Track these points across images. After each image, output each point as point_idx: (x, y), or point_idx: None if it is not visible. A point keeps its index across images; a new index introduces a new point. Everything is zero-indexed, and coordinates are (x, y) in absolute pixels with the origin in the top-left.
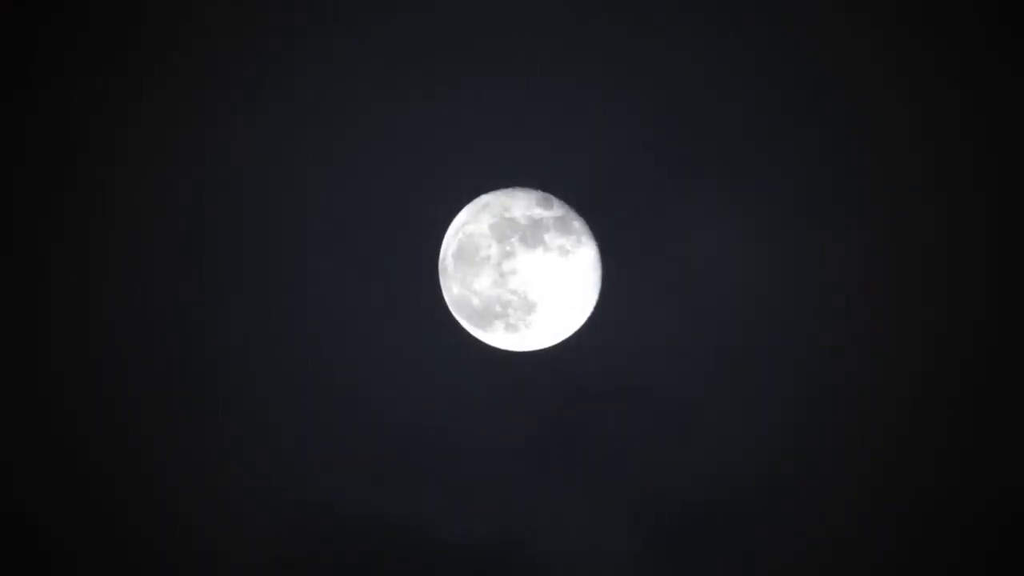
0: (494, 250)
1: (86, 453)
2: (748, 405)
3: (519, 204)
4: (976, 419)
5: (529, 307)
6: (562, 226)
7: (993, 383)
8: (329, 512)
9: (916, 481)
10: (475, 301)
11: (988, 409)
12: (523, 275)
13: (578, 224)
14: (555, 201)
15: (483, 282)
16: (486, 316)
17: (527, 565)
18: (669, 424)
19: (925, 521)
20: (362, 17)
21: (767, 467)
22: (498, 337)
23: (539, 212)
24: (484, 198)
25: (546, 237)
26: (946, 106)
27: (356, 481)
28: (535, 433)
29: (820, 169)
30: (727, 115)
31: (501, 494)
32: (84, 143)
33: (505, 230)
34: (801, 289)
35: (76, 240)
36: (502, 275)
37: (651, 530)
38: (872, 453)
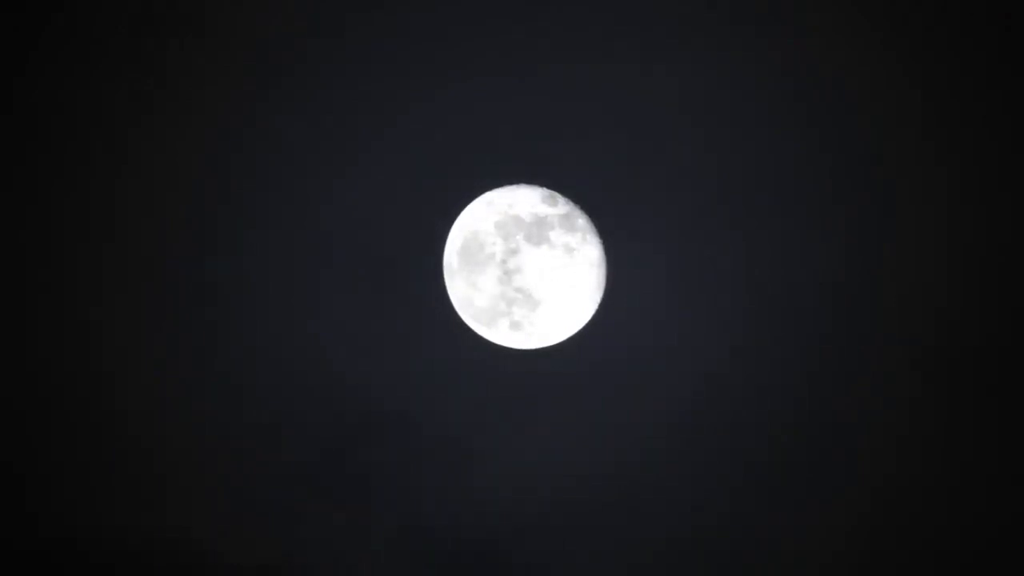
0: (499, 247)
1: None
2: (749, 408)
3: (524, 201)
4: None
5: (533, 304)
6: (567, 224)
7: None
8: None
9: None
10: (480, 298)
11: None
12: (528, 272)
13: (583, 222)
14: (560, 199)
15: (488, 279)
16: (491, 313)
17: None
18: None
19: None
20: (366, 15)
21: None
22: (502, 334)
23: (544, 209)
24: (489, 195)
25: (551, 235)
26: (947, 106)
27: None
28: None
29: (823, 169)
30: (731, 114)
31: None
32: (85, 145)
33: (510, 227)
34: (803, 291)
35: (75, 244)
36: (507, 272)
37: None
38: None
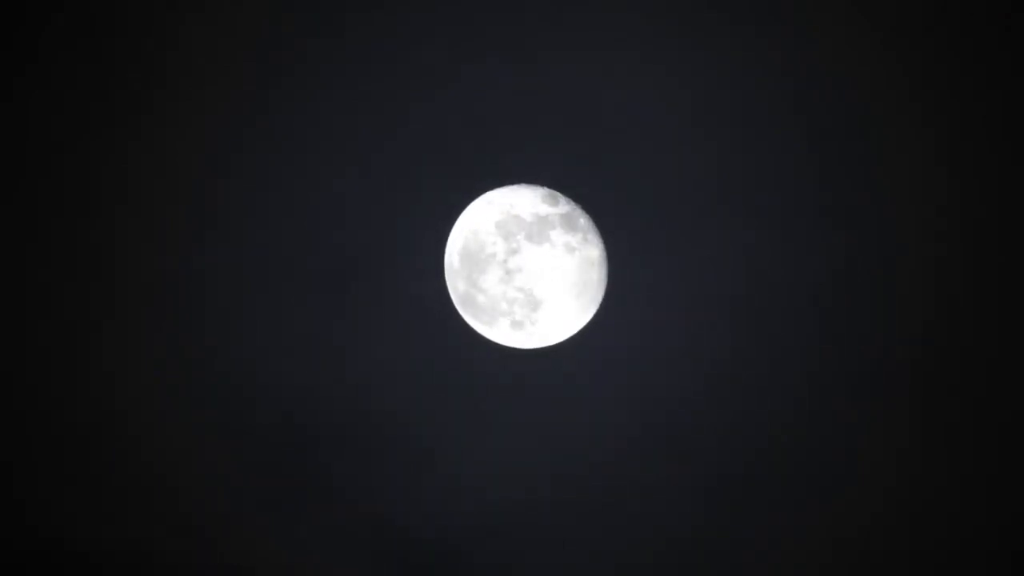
0: (500, 247)
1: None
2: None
3: (525, 201)
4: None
5: (535, 304)
6: (568, 223)
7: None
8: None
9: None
10: (481, 298)
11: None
12: (529, 272)
13: (584, 221)
14: (561, 198)
15: (489, 279)
16: (492, 313)
17: None
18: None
19: None
20: (366, 15)
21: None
22: (503, 334)
23: (545, 209)
24: (490, 195)
25: (552, 234)
26: (947, 106)
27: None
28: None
29: (823, 169)
30: (731, 114)
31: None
32: (85, 145)
33: (511, 227)
34: (803, 291)
35: (75, 243)
36: (508, 272)
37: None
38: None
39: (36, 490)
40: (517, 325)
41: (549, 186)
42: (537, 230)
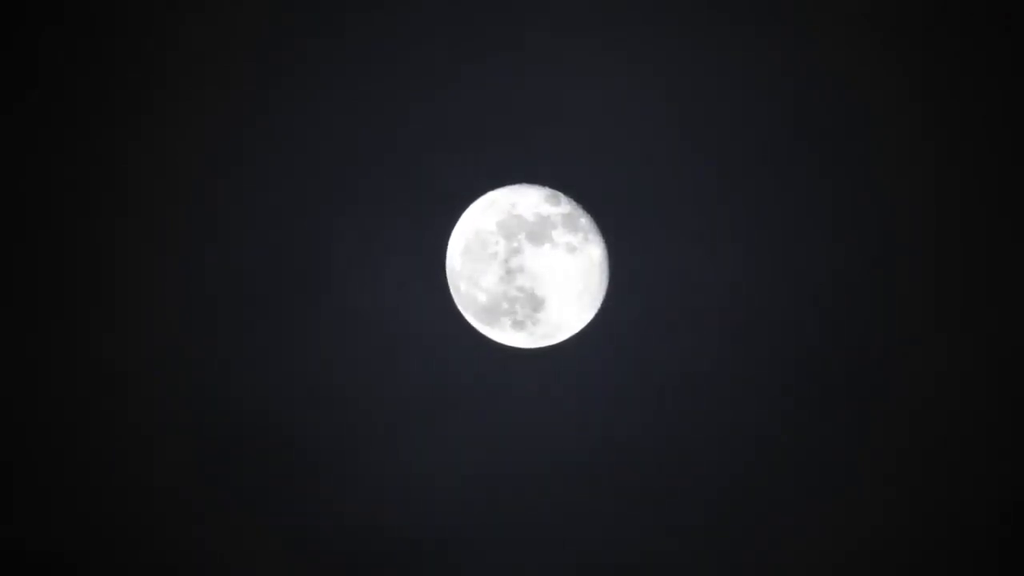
0: (501, 247)
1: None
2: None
3: (526, 201)
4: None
5: (536, 304)
6: (569, 223)
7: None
8: None
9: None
10: (482, 298)
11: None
12: (530, 272)
13: (585, 221)
14: (563, 198)
15: (490, 279)
16: (493, 313)
17: None
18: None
19: None
20: (366, 15)
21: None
22: (505, 334)
23: (547, 209)
24: (491, 195)
25: (553, 234)
26: (946, 106)
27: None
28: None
29: (823, 170)
30: (733, 114)
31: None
32: (84, 146)
33: (512, 227)
34: (803, 291)
35: (74, 244)
36: (509, 272)
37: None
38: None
39: (35, 490)
40: (518, 325)
41: (551, 186)
42: (538, 230)
